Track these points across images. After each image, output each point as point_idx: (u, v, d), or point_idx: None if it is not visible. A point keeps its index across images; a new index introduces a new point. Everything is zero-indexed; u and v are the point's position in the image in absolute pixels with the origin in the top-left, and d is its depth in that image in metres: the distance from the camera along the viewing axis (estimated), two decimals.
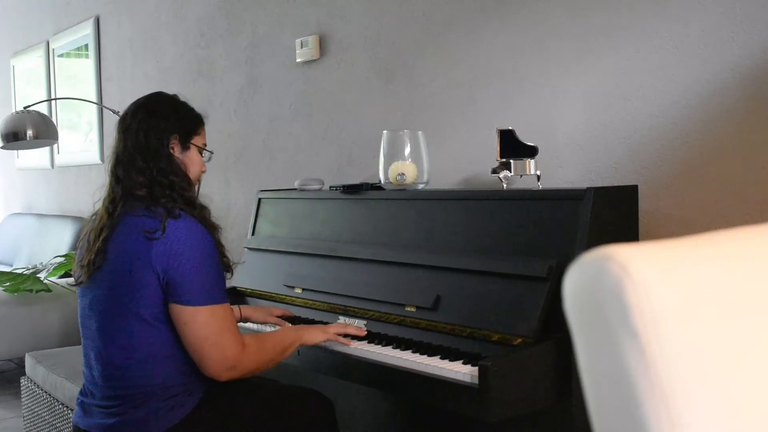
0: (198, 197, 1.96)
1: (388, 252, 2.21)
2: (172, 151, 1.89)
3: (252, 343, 1.81)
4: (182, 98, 2.01)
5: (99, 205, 1.89)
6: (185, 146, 1.92)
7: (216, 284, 1.77)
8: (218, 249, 1.84)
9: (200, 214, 1.85)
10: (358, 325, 2.09)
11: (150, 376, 1.77)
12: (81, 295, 1.89)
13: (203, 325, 1.73)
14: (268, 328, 2.26)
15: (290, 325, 2.26)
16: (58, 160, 5.60)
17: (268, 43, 3.46)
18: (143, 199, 1.81)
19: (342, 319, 2.23)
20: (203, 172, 2.00)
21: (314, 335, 1.97)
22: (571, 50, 2.22)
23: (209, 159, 2.03)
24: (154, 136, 1.86)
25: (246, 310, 2.31)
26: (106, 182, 1.89)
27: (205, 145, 2.00)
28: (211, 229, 1.84)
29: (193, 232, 1.76)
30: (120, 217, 1.80)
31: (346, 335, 2.03)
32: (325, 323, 2.17)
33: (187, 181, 1.90)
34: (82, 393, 1.92)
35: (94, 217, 1.89)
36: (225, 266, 1.87)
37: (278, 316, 2.31)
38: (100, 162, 4.96)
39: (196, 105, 2.05)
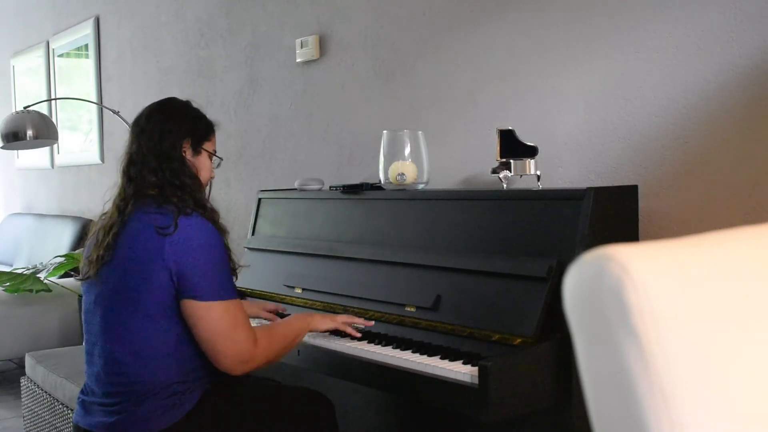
0: (209, 202, 1.99)
1: (388, 252, 2.21)
2: (184, 154, 1.92)
3: (263, 337, 1.84)
4: (195, 104, 2.05)
5: (109, 205, 1.91)
6: (197, 151, 1.96)
7: (227, 280, 1.81)
8: (227, 249, 1.86)
9: (210, 216, 1.87)
10: (363, 319, 2.10)
11: (152, 372, 1.78)
12: (86, 291, 1.91)
13: (217, 320, 1.75)
14: (263, 323, 2.26)
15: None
16: (58, 160, 5.60)
17: (268, 43, 3.46)
18: (155, 198, 1.84)
19: None
20: (212, 177, 2.03)
21: (323, 322, 2.02)
22: (571, 50, 2.22)
23: (218, 165, 2.07)
24: (167, 139, 1.90)
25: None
26: (118, 182, 1.92)
27: (216, 151, 2.04)
28: (220, 231, 1.87)
29: (204, 230, 1.79)
30: (130, 215, 1.83)
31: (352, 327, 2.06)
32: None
33: (198, 184, 1.93)
34: (83, 392, 1.92)
35: (103, 216, 1.91)
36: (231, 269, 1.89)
37: (271, 311, 2.32)
38: (100, 162, 4.96)
39: (196, 105, 2.06)
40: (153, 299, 1.75)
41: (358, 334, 2.03)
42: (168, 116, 1.94)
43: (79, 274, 1.99)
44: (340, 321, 2.04)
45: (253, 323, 2.30)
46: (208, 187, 2.04)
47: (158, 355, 1.78)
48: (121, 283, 1.79)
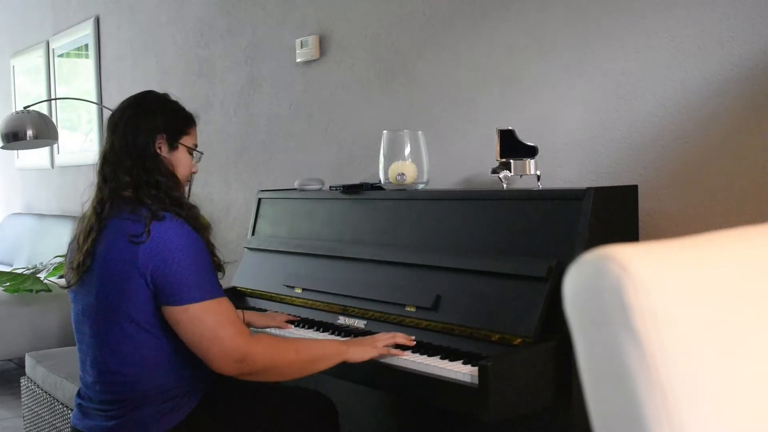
0: (189, 197, 1.94)
1: (388, 252, 2.21)
2: (159, 150, 1.86)
3: (264, 338, 1.77)
4: (173, 97, 1.98)
5: (88, 206, 1.86)
6: (173, 146, 1.89)
7: (205, 281, 1.73)
8: (208, 248, 1.80)
9: (189, 214, 1.81)
10: (405, 335, 1.93)
11: (146, 380, 1.75)
12: (73, 300, 1.87)
13: (196, 323, 1.69)
14: (272, 332, 2.25)
15: (293, 328, 2.25)
16: (58, 160, 5.60)
17: (268, 43, 3.46)
18: (129, 201, 1.78)
19: (342, 319, 2.23)
20: (194, 173, 1.97)
21: (362, 351, 1.83)
22: (571, 50, 2.22)
23: (199, 160, 1.99)
24: (140, 136, 1.84)
25: (249, 315, 2.28)
26: (94, 182, 1.86)
27: (196, 145, 1.96)
28: (200, 228, 1.80)
29: (177, 233, 1.73)
30: (107, 220, 1.78)
31: (396, 346, 1.90)
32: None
33: (175, 181, 1.86)
34: (79, 395, 1.90)
35: (82, 219, 1.86)
36: (216, 266, 1.83)
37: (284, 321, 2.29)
38: None
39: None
40: (137, 309, 1.71)
41: (405, 354, 1.85)
42: (141, 111, 1.87)
43: None
44: (381, 346, 1.86)
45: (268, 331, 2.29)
46: (189, 183, 1.97)
47: (154, 364, 1.75)
48: (104, 294, 1.75)
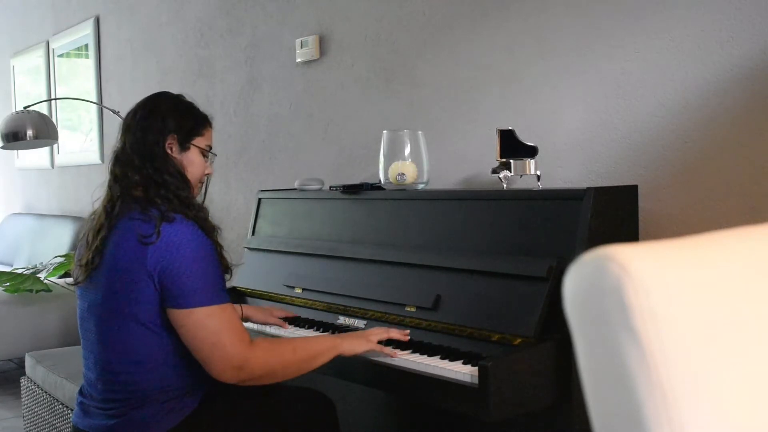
0: (205, 199, 1.95)
1: (388, 252, 2.21)
2: (169, 151, 1.86)
3: (262, 344, 1.76)
4: (188, 98, 1.98)
5: (98, 204, 1.87)
6: (184, 147, 1.89)
7: (212, 285, 1.73)
8: (216, 250, 1.81)
9: (197, 216, 1.81)
10: (400, 330, 1.95)
11: (148, 380, 1.75)
12: (80, 296, 1.88)
13: (199, 327, 1.70)
14: (268, 329, 2.26)
15: (292, 327, 2.25)
16: (58, 160, 5.60)
17: (268, 43, 3.46)
18: (140, 200, 1.79)
19: (342, 319, 2.23)
20: (208, 174, 1.97)
21: (355, 344, 1.85)
22: (571, 50, 2.22)
23: (212, 161, 1.99)
24: (150, 135, 1.84)
25: (247, 309, 2.30)
26: (106, 181, 1.88)
27: (210, 147, 1.96)
28: (209, 230, 1.81)
29: (187, 236, 1.73)
30: (117, 218, 1.78)
31: (389, 342, 1.92)
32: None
33: (184, 182, 1.86)
34: (81, 393, 1.91)
35: (92, 216, 1.87)
36: (224, 268, 1.83)
37: (281, 318, 2.30)
38: (100, 162, 4.96)
39: (189, 99, 2.02)
40: (143, 309, 1.72)
41: (401, 353, 1.87)
42: (152, 112, 1.87)
43: None
44: (375, 340, 1.87)
45: (266, 330, 2.30)
46: (204, 185, 1.98)
47: (156, 364, 1.75)
48: (109, 292, 1.75)
